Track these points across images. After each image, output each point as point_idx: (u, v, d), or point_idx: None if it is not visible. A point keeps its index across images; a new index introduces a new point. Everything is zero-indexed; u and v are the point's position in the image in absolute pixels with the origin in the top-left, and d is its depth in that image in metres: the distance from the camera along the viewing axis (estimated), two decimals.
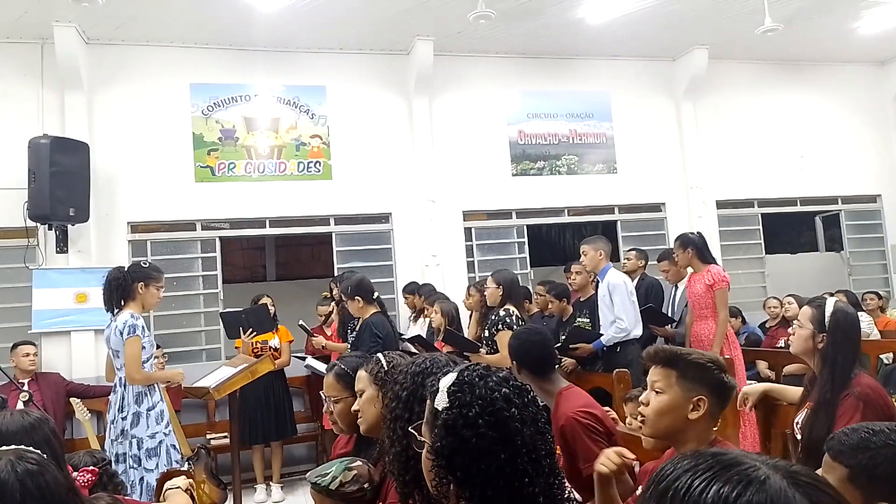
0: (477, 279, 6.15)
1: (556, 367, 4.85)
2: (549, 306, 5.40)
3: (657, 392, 1.83)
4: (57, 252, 5.46)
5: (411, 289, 5.93)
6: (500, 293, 4.40)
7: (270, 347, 5.36)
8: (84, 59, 5.60)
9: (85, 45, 5.63)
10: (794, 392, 2.69)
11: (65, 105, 5.56)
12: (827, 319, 2.37)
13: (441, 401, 1.32)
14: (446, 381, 1.34)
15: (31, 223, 5.31)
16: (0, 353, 5.17)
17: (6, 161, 5.40)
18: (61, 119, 5.55)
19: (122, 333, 3.70)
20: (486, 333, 4.44)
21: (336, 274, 6.00)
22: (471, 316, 5.35)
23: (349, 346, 4.65)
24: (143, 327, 3.77)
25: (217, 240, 6.04)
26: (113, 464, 3.51)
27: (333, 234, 6.34)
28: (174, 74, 5.94)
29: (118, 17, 5.35)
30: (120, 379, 3.80)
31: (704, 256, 4.79)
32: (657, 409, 1.82)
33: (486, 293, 4.57)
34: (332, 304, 5.79)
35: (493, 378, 1.32)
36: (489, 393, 1.29)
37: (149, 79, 5.88)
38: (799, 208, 7.71)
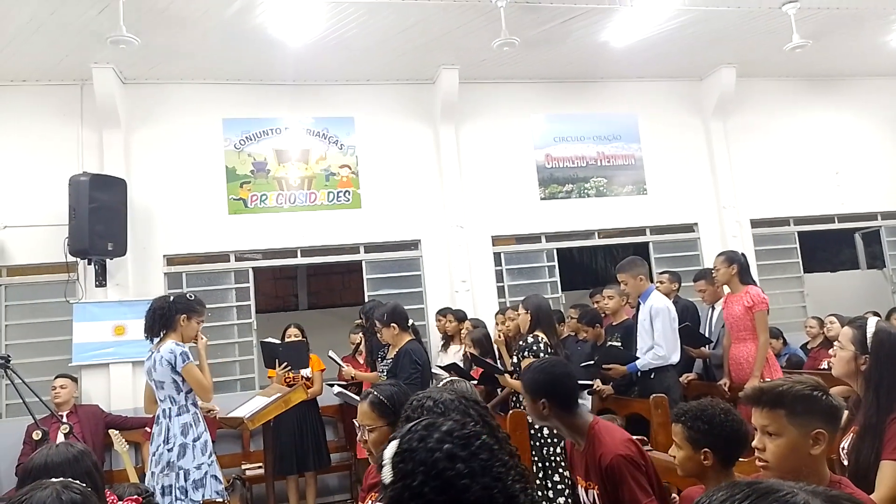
0: (508, 304, 6.12)
1: (590, 394, 4.82)
2: (583, 333, 5.33)
3: (771, 435, 1.73)
4: (96, 286, 5.60)
5: (443, 312, 5.90)
6: (529, 319, 4.36)
7: (303, 377, 5.38)
8: (121, 99, 5.79)
9: (122, 85, 5.83)
10: None
11: (103, 143, 5.75)
12: (869, 340, 2.30)
13: (386, 474, 1.27)
14: (389, 452, 1.29)
15: (71, 258, 5.46)
16: (42, 385, 5.28)
17: (48, 199, 5.58)
18: (100, 157, 5.73)
19: (171, 364, 3.73)
20: (515, 359, 4.40)
21: (366, 301, 6.02)
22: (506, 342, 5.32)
23: (381, 374, 4.64)
24: (188, 353, 3.83)
25: (250, 270, 6.13)
26: (158, 496, 3.53)
27: (363, 262, 6.38)
28: (207, 110, 6.10)
29: (153, 58, 5.53)
30: (164, 411, 3.79)
31: (744, 277, 4.69)
32: (778, 454, 1.71)
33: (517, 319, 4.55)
34: (360, 333, 5.79)
35: (435, 435, 1.27)
36: (430, 455, 1.24)
37: (183, 115, 6.05)
38: (837, 225, 7.52)
